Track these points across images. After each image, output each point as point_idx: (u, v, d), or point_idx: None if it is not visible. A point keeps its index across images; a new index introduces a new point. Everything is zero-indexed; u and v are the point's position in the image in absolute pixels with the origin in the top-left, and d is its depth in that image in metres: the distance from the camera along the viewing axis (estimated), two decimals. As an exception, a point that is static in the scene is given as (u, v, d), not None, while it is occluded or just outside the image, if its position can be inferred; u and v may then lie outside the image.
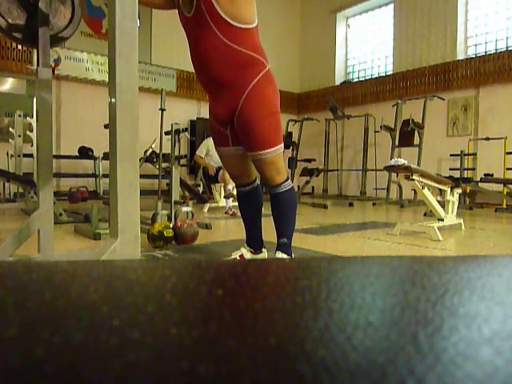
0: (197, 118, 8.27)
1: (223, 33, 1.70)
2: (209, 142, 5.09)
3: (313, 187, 8.56)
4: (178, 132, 3.35)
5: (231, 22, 1.69)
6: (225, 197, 4.76)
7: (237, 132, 1.88)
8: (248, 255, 2.05)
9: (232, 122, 1.88)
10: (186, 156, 7.52)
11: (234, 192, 4.55)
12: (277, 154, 1.86)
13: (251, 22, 1.76)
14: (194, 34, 1.77)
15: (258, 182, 2.09)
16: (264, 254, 2.10)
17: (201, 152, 5.10)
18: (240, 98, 1.79)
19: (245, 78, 1.78)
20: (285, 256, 1.90)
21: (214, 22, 1.69)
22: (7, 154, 5.82)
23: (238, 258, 2.01)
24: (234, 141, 1.94)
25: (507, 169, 6.17)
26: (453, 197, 3.45)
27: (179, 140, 3.44)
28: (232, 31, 1.71)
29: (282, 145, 1.90)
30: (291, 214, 1.95)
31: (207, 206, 5.03)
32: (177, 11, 1.86)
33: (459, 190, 3.50)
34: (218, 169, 4.88)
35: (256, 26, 1.79)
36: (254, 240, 2.08)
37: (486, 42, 7.16)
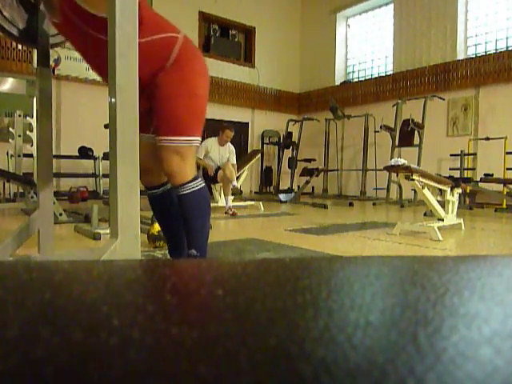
0: (197, 118, 8.26)
1: (98, 30, 1.32)
2: (207, 144, 5.10)
3: (313, 187, 8.56)
4: (177, 132, 3.35)
5: (96, 13, 1.30)
6: (232, 194, 4.82)
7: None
8: None
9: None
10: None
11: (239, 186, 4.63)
12: (186, 145, 1.52)
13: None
14: (81, 43, 1.45)
15: (169, 184, 1.73)
16: None
17: (199, 153, 5.12)
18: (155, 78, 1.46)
19: (155, 68, 1.45)
20: None
21: (84, 21, 1.33)
22: (7, 153, 5.82)
23: None
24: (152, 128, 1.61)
25: (507, 169, 6.17)
26: (453, 197, 3.45)
27: (179, 140, 3.44)
28: (100, 24, 1.23)
29: (197, 138, 1.55)
30: (198, 222, 1.59)
31: (207, 205, 5.05)
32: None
33: (459, 190, 3.50)
34: (218, 169, 4.92)
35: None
36: (177, 250, 1.80)
37: (486, 42, 7.16)
